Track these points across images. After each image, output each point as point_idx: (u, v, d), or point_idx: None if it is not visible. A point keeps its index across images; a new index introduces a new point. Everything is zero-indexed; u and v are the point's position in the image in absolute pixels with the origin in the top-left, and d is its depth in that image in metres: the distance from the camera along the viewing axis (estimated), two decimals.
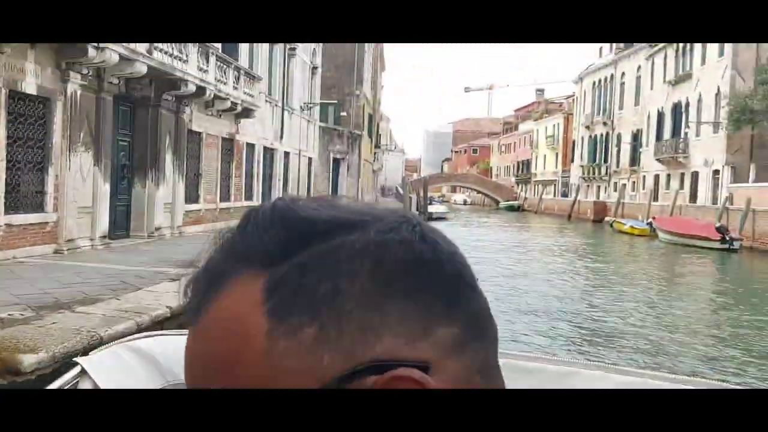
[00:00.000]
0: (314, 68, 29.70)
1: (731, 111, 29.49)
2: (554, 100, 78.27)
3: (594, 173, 51.73)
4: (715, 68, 33.40)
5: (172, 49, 13.34)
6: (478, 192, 77.45)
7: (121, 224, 14.29)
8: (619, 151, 47.85)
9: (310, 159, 29.93)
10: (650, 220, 28.68)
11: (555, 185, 64.75)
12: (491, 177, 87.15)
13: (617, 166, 48.33)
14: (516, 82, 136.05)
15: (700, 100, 35.08)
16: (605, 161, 50.56)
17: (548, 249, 23.58)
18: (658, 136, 40.23)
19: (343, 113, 32.72)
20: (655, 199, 40.33)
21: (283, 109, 24.66)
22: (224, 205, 19.31)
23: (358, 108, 35.69)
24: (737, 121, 29.43)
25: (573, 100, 64.50)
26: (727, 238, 20.75)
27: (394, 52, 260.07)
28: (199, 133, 17.19)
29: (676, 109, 38.16)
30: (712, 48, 33.65)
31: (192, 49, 14.33)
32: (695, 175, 35.23)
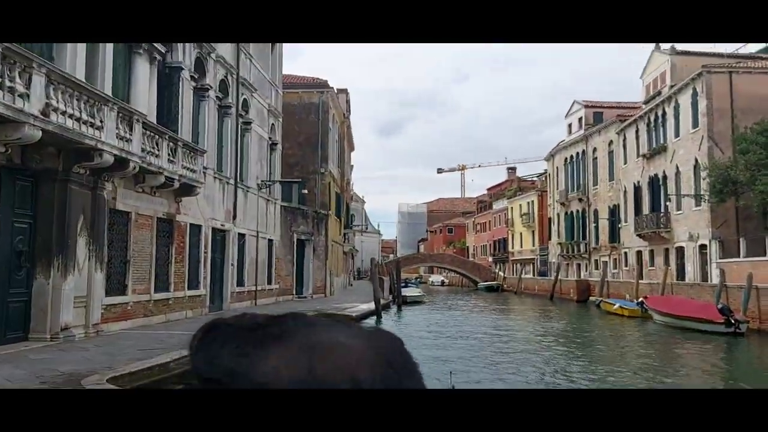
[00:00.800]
0: (273, 144, 27.92)
1: (713, 183, 28.18)
2: (527, 178, 77.87)
3: (573, 251, 50.08)
4: (690, 139, 32.44)
5: (80, 111, 11.21)
6: (456, 272, 75.28)
7: (15, 324, 11.68)
8: (597, 228, 46.42)
9: (270, 241, 27.63)
10: (641, 299, 26.56)
11: (533, 264, 62.93)
12: (468, 256, 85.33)
13: (596, 243, 46.77)
14: (487, 162, 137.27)
15: (677, 173, 33.94)
16: (584, 238, 49.05)
17: (534, 337, 21.20)
18: (637, 211, 38.87)
19: (305, 191, 30.75)
20: (640, 276, 38.48)
21: (236, 187, 22.56)
22: (160, 295, 16.73)
23: (324, 186, 33.82)
24: (720, 193, 28.07)
25: (546, 177, 63.84)
26: (732, 321, 18.60)
27: (360, 131, 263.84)
28: (127, 213, 14.88)
29: (653, 182, 37.00)
30: (686, 119, 32.84)
31: (109, 113, 12.22)
32: (680, 251, 33.57)
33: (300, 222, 31.10)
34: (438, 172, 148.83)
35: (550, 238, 57.63)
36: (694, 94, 31.94)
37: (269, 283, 27.36)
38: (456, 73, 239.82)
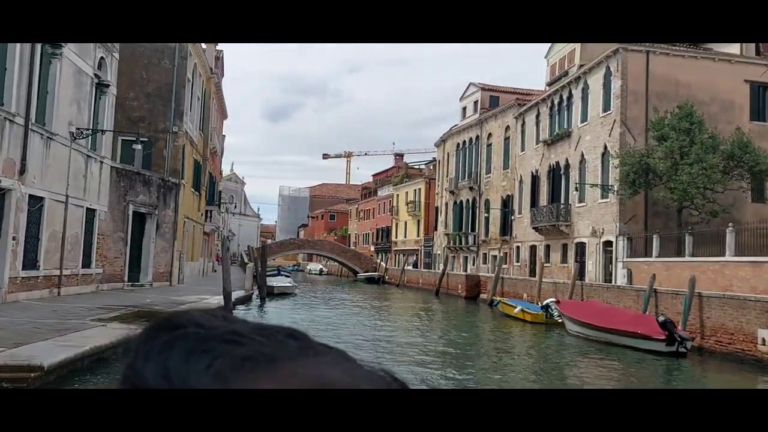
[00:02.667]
0: (102, 85, 21.26)
1: (626, 172, 24.97)
2: (414, 165, 74.37)
3: (460, 242, 46.63)
4: (599, 124, 29.32)
5: None
6: (335, 261, 70.37)
7: None
8: (488, 219, 43.12)
9: (91, 211, 21.05)
10: (547, 302, 22.72)
11: (417, 254, 59.27)
12: (349, 244, 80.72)
13: (486, 235, 43.48)
14: (374, 150, 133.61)
15: (582, 161, 30.82)
16: (473, 230, 45.69)
17: (420, 349, 16.50)
18: (534, 202, 35.67)
19: (144, 150, 24.27)
20: (533, 273, 35.34)
21: (27, 129, 15.95)
22: None
23: (176, 149, 27.39)
24: (633, 184, 24.91)
25: (435, 164, 60.40)
26: (677, 338, 14.80)
27: (249, 114, 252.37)
28: None
29: (554, 171, 33.84)
30: (595, 102, 29.70)
31: None
32: (580, 247, 30.50)
33: (139, 190, 24.56)
34: (323, 158, 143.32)
35: (436, 229, 54.12)
36: (608, 74, 28.80)
37: (86, 266, 20.79)
38: (349, 65, 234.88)
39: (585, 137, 30.59)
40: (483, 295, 34.45)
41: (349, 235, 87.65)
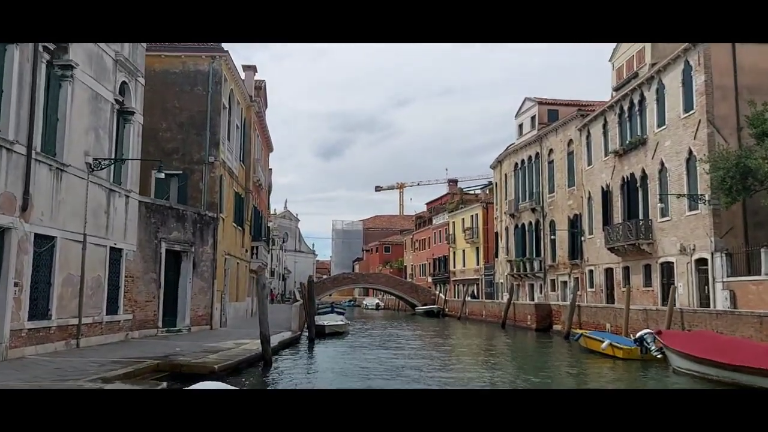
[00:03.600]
0: (126, 112, 19.43)
1: (721, 177, 21.39)
2: (469, 191, 71.26)
3: (525, 269, 43.09)
4: (681, 126, 25.83)
5: None
6: (392, 294, 67.48)
7: None
8: (554, 242, 39.56)
9: (117, 251, 19.04)
10: (641, 335, 19.13)
11: (478, 284, 55.81)
12: (406, 276, 77.78)
13: (553, 259, 39.89)
14: (426, 180, 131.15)
15: (662, 170, 27.27)
16: (537, 254, 42.14)
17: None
18: (606, 220, 32.10)
19: (178, 183, 22.33)
20: (610, 299, 31.60)
21: (29, 159, 14.01)
22: None
23: (213, 181, 25.41)
24: (730, 191, 21.29)
25: (492, 187, 57.22)
26: None
27: (301, 154, 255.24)
28: None
29: (629, 184, 30.31)
30: (674, 103, 26.27)
31: None
32: (667, 267, 26.75)
33: (173, 226, 22.53)
34: (376, 190, 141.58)
35: (497, 256, 50.71)
36: (687, 70, 25.39)
37: (112, 312, 18.69)
38: (396, 99, 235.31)
39: (664, 143, 27.09)
40: (557, 327, 30.86)
41: (405, 266, 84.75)
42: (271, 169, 49.34)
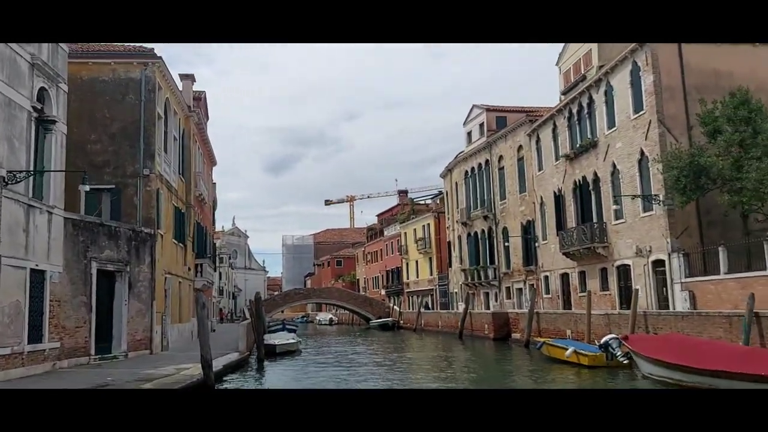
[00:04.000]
0: (47, 121, 17.72)
1: (674, 177, 21.12)
2: (420, 201, 70.73)
3: (479, 278, 42.51)
4: (631, 128, 25.64)
5: None
6: (345, 308, 66.08)
7: None
8: (508, 249, 39.10)
9: (41, 273, 17.28)
10: (608, 339, 18.44)
11: (432, 295, 55.06)
12: (359, 290, 76.51)
13: (508, 267, 39.42)
14: (376, 192, 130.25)
15: (614, 172, 27.04)
16: (492, 262, 41.64)
17: None
18: (560, 225, 31.75)
19: (112, 197, 20.65)
20: (567, 305, 31.17)
21: None
22: None
23: (149, 195, 23.74)
24: (684, 191, 21.02)
25: (442, 197, 56.76)
26: None
27: (249, 169, 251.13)
28: None
29: (581, 188, 30.04)
30: (623, 104, 26.09)
31: None
32: (623, 271, 26.43)
33: (104, 244, 20.79)
34: (326, 204, 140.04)
35: (450, 265, 50.09)
36: (635, 71, 25.24)
37: (35, 341, 16.87)
38: (345, 113, 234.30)
39: (615, 145, 26.87)
40: (515, 335, 30.18)
41: (358, 280, 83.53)
42: (215, 183, 47.50)
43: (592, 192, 28.98)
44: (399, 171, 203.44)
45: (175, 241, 27.76)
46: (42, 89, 17.71)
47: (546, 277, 34.00)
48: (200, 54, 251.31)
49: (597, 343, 19.53)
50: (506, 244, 37.66)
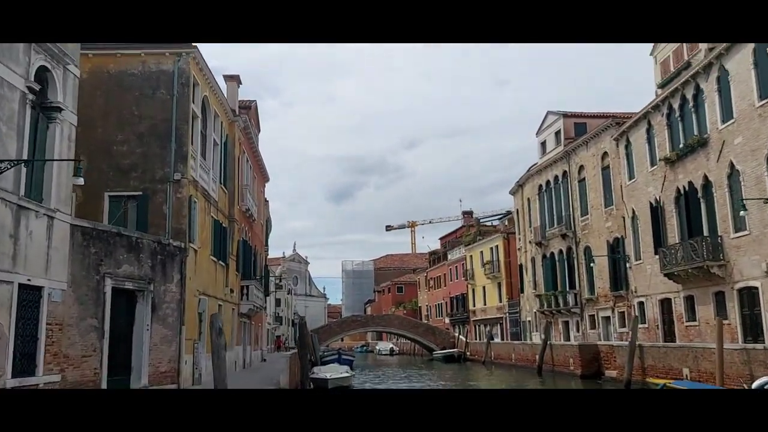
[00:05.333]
0: (49, 108, 14.80)
1: None
2: (486, 222, 66.20)
3: (557, 304, 37.68)
4: (756, 117, 20.89)
5: None
6: (407, 338, 61.90)
7: None
8: (591, 271, 34.28)
9: (36, 291, 14.20)
10: (764, 381, 13.82)
11: (501, 323, 50.25)
12: (420, 318, 72.18)
13: (591, 292, 34.54)
14: (438, 217, 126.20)
15: (732, 174, 22.23)
16: (572, 287, 36.80)
17: None
18: (658, 242, 26.91)
19: (125, 207, 17.61)
20: (669, 337, 26.15)
21: None
22: None
23: (179, 203, 20.62)
24: None
25: (511, 217, 52.25)
26: None
27: (314, 199, 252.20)
28: None
29: (686, 196, 25.24)
30: (743, 90, 21.39)
31: None
32: (748, 294, 21.43)
33: (122, 258, 17.66)
34: (387, 230, 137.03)
35: (522, 291, 45.35)
36: (760, 49, 20.59)
37: (26, 373, 13.69)
38: (406, 141, 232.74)
39: (733, 140, 22.11)
40: (609, 372, 25.33)
41: (420, 307, 79.23)
42: (267, 201, 44.74)
43: (702, 200, 24.16)
44: (461, 197, 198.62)
45: (214, 258, 24.58)
46: (43, 69, 14.82)
47: (641, 304, 29.04)
48: (267, 87, 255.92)
49: (745, 388, 14.80)
50: (592, 264, 32.88)
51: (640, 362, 23.07)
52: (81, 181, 14.31)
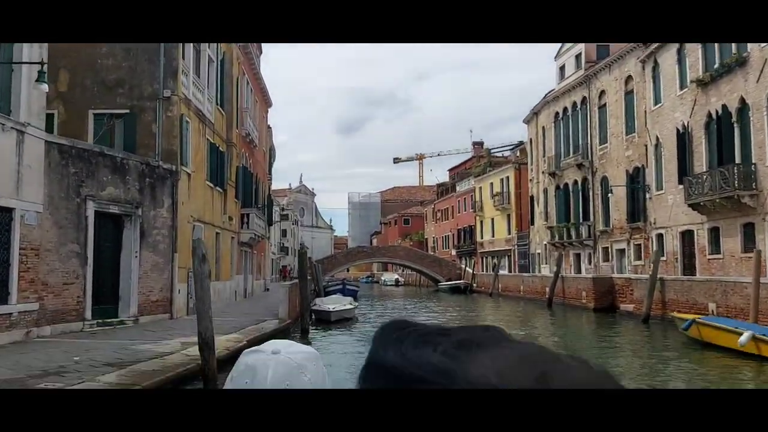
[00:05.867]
0: None
1: None
2: (497, 153, 64.27)
3: (569, 236, 36.37)
4: None
5: None
6: (412, 269, 61.22)
7: None
8: (607, 202, 32.76)
9: (9, 212, 12.90)
10: None
11: (509, 256, 49.23)
12: (427, 250, 71.39)
13: (606, 224, 33.13)
14: (447, 150, 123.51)
15: None
16: (585, 219, 35.37)
17: None
18: (684, 170, 25.22)
19: (111, 123, 16.03)
20: (689, 270, 24.86)
21: None
22: None
23: (170, 122, 19.03)
24: None
25: (524, 146, 50.38)
26: None
27: (323, 131, 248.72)
28: None
29: (719, 121, 23.36)
30: None
31: None
32: None
33: (105, 180, 16.27)
34: (395, 162, 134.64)
35: (532, 223, 44.04)
36: None
37: None
38: (416, 72, 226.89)
39: None
40: (625, 306, 24.18)
41: (426, 239, 78.37)
42: (270, 128, 42.97)
43: (736, 125, 22.31)
44: (468, 132, 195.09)
45: (210, 184, 23.17)
46: None
47: (659, 236, 27.63)
48: None
49: None
50: (609, 194, 31.28)
51: (660, 296, 21.84)
52: (45, 87, 12.70)
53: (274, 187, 52.25)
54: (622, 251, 31.59)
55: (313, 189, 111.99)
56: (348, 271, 73.86)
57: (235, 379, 0.97)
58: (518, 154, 55.44)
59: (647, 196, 28.78)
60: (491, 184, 53.93)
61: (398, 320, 0.47)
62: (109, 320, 16.00)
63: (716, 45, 23.34)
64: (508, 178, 51.02)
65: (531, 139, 44.59)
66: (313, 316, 22.12)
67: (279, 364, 0.97)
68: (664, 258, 26.79)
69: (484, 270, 51.91)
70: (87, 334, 14.61)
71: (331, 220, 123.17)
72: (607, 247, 33.01)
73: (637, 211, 30.10)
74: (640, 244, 29.80)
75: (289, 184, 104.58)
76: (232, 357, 12.55)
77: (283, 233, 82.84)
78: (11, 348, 12.10)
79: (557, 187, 38.75)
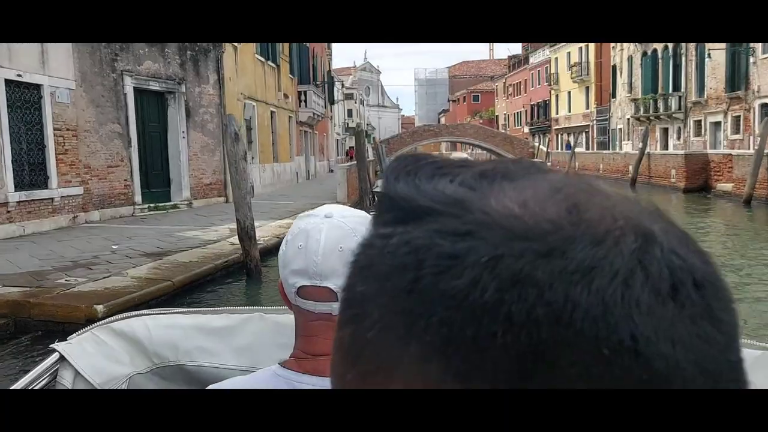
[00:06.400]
0: None
1: None
2: None
3: (656, 109, 33.07)
4: None
5: None
6: (482, 148, 58.95)
7: None
8: (702, 70, 29.11)
9: (34, 88, 11.85)
10: None
11: (588, 132, 46.12)
12: (498, 128, 68.44)
13: (700, 94, 29.67)
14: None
15: None
16: (676, 89, 31.86)
17: None
18: None
19: None
20: None
21: None
22: None
23: None
24: None
25: None
26: None
27: None
28: None
29: None
30: None
31: None
32: None
33: (143, 53, 14.90)
34: None
35: (613, 96, 40.51)
36: None
37: (35, 185, 11.84)
38: None
39: None
40: (722, 186, 21.69)
41: (497, 116, 75.11)
42: None
43: None
44: None
45: (261, 58, 21.52)
46: None
47: (763, 106, 24.36)
48: None
49: None
50: (707, 58, 27.66)
51: (766, 174, 19.28)
52: None
53: (337, 65, 50.20)
54: (717, 124, 28.39)
55: (378, 66, 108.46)
56: (416, 150, 72.22)
57: (289, 243, 0.98)
58: None
59: (752, 60, 25.15)
60: (568, 53, 49.69)
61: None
62: (161, 204, 15.28)
63: None
64: (587, 46, 46.70)
65: None
66: (374, 198, 20.95)
67: (332, 228, 0.97)
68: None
69: (559, 148, 49.13)
70: (137, 219, 13.95)
71: (397, 99, 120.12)
72: (700, 120, 29.78)
73: (738, 78, 26.56)
74: (738, 116, 26.54)
75: (354, 62, 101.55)
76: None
77: (349, 113, 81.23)
78: (54, 234, 11.48)
79: (644, 54, 34.90)
